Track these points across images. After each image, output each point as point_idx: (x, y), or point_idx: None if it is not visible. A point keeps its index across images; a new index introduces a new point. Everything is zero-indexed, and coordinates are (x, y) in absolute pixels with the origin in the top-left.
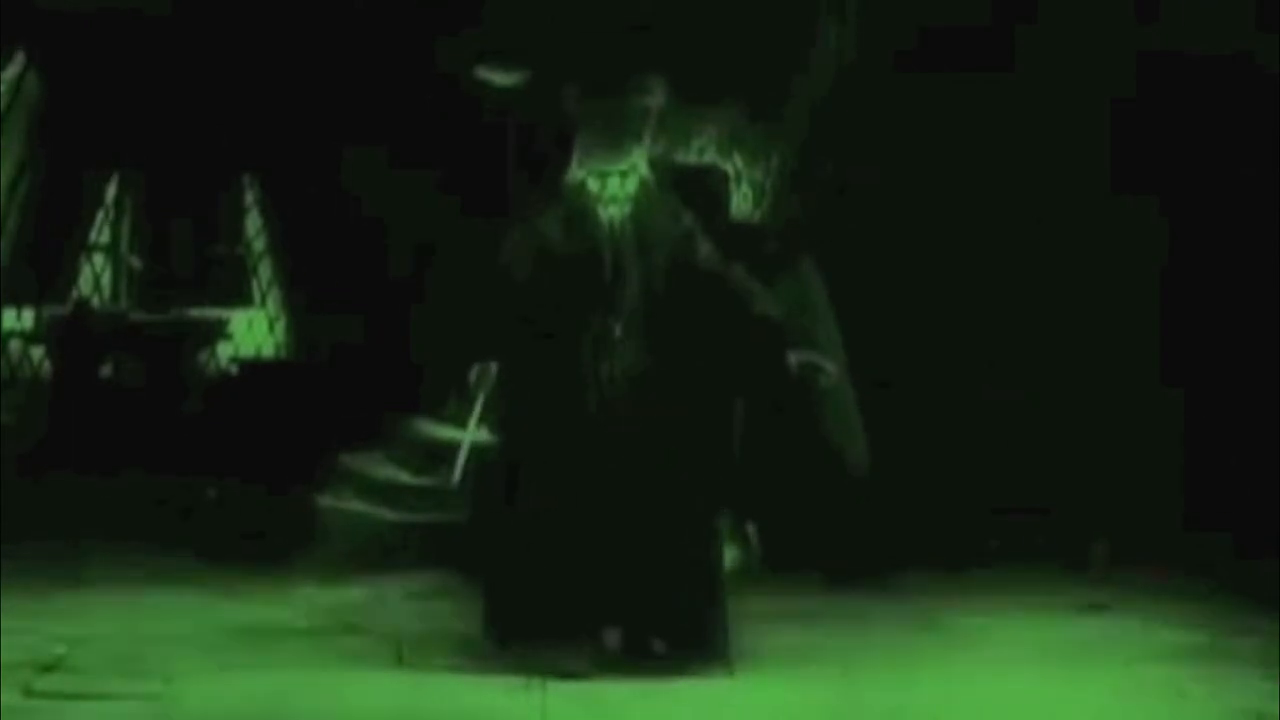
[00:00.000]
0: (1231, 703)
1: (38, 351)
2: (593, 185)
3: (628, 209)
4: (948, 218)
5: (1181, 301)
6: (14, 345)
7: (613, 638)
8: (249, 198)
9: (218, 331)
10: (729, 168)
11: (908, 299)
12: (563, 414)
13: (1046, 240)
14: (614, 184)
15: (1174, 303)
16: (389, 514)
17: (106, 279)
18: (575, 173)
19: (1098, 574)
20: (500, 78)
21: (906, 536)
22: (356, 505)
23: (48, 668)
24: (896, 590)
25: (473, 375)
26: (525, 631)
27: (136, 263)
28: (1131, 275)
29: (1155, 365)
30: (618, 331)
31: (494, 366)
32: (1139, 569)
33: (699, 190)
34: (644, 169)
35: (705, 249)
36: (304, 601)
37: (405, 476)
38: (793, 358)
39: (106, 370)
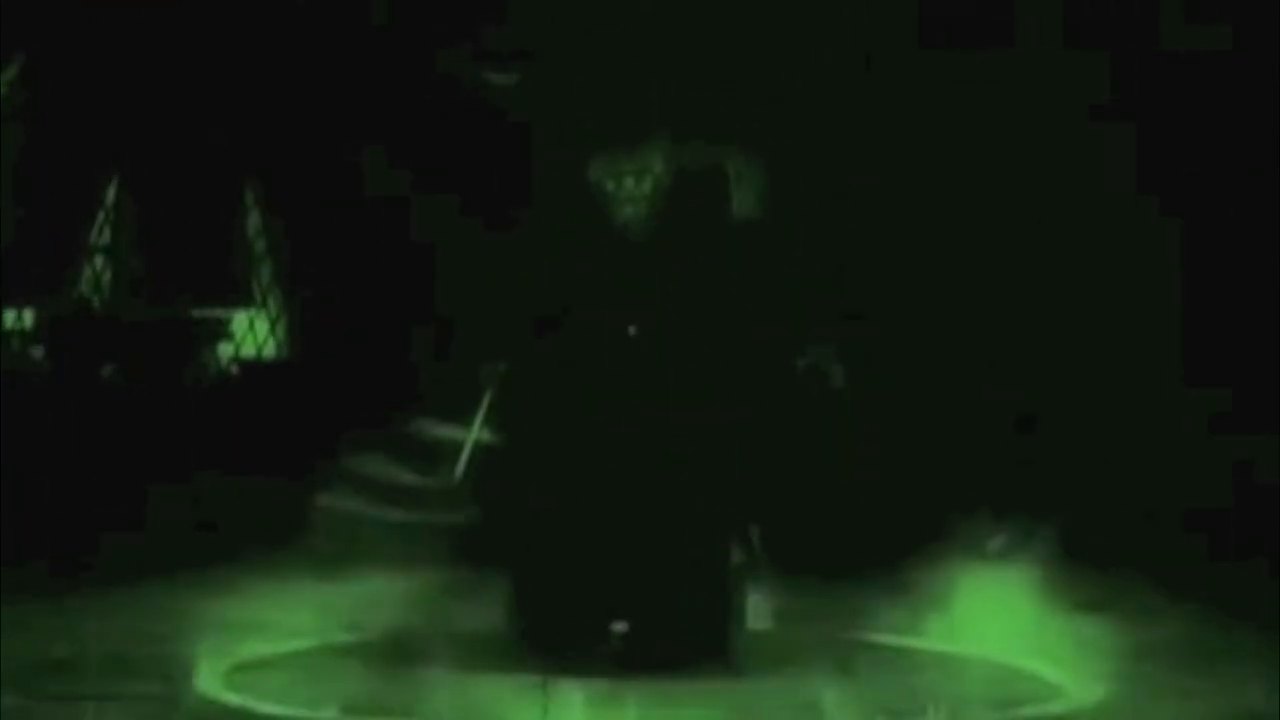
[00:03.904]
0: (1228, 702)
1: (38, 351)
2: (609, 185)
3: (643, 208)
4: (948, 220)
5: (1186, 301)
6: (14, 345)
7: (616, 637)
8: (249, 198)
9: (218, 332)
10: (730, 168)
11: (907, 302)
12: (572, 414)
13: (1045, 242)
14: (629, 184)
15: (1173, 301)
16: (389, 514)
17: (106, 279)
18: (591, 173)
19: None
20: (498, 77)
21: (907, 535)
22: (356, 505)
23: (48, 668)
24: (897, 589)
25: (482, 374)
26: (530, 630)
27: (137, 263)
28: (1132, 276)
29: (1154, 363)
30: (632, 331)
31: (502, 366)
32: (1137, 568)
33: (700, 190)
34: (660, 168)
35: (719, 249)
36: (304, 601)
37: (406, 476)
38: (801, 359)
39: (107, 370)
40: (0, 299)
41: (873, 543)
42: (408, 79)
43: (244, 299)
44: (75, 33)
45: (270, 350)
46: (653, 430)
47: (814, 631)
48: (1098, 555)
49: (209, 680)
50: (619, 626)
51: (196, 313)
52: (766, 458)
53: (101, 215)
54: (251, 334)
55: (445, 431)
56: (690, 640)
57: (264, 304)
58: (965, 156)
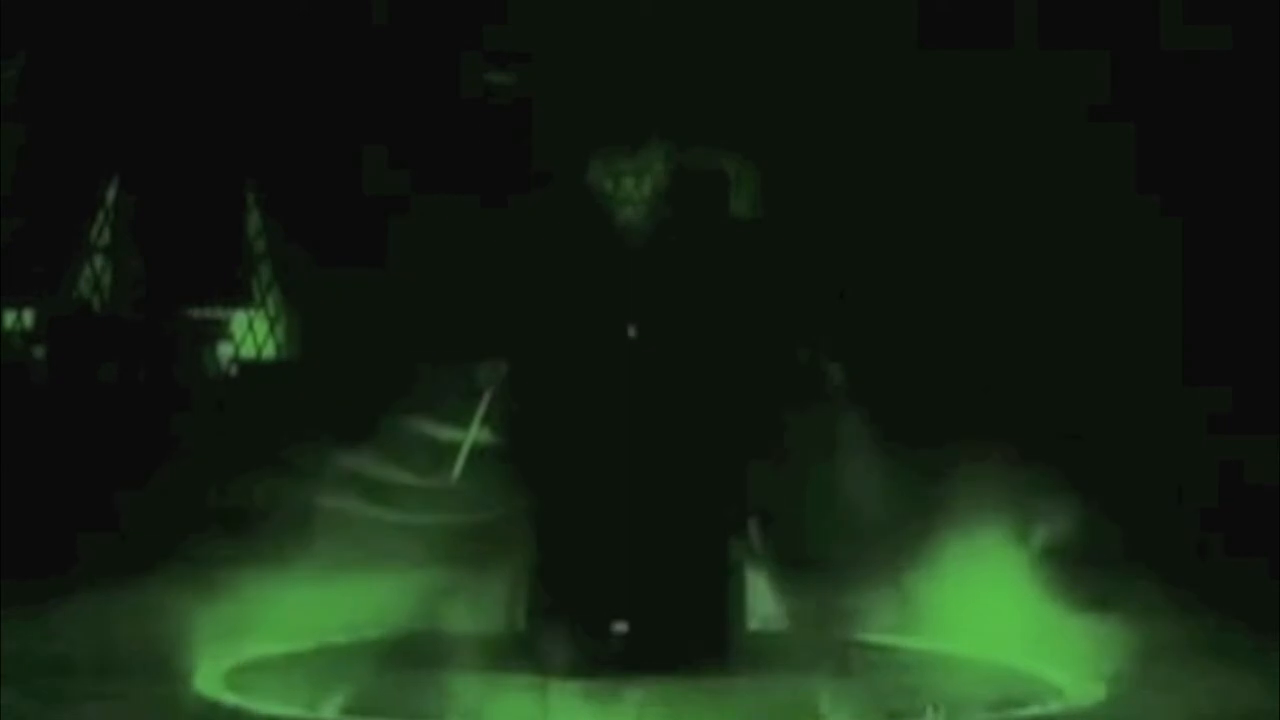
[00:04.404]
0: (1228, 701)
1: (38, 351)
2: (608, 186)
3: (644, 210)
4: (947, 220)
5: (1186, 301)
6: (14, 345)
7: (617, 637)
8: (249, 198)
9: (218, 332)
10: (728, 168)
11: (906, 301)
12: (572, 415)
13: (1045, 242)
14: (629, 184)
15: (1173, 301)
16: (389, 514)
17: (107, 279)
18: (590, 174)
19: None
20: (499, 77)
21: (907, 535)
22: (356, 505)
23: (47, 668)
24: (897, 589)
25: (481, 374)
26: (531, 630)
27: (137, 263)
28: (1132, 276)
29: (1154, 363)
30: (632, 332)
31: (503, 366)
32: (1137, 567)
33: (698, 190)
34: (660, 169)
35: (718, 250)
36: (303, 601)
37: (405, 476)
38: (803, 355)
39: (106, 371)
40: (0, 299)
41: (870, 541)
42: (408, 79)
43: (244, 299)
44: (75, 33)
45: (270, 351)
46: (652, 431)
47: (814, 631)
48: (1098, 554)
49: (209, 680)
50: (619, 626)
51: (196, 313)
52: (765, 456)
53: (101, 215)
54: (251, 334)
55: (443, 432)
56: (690, 640)
57: (263, 304)
58: (965, 156)
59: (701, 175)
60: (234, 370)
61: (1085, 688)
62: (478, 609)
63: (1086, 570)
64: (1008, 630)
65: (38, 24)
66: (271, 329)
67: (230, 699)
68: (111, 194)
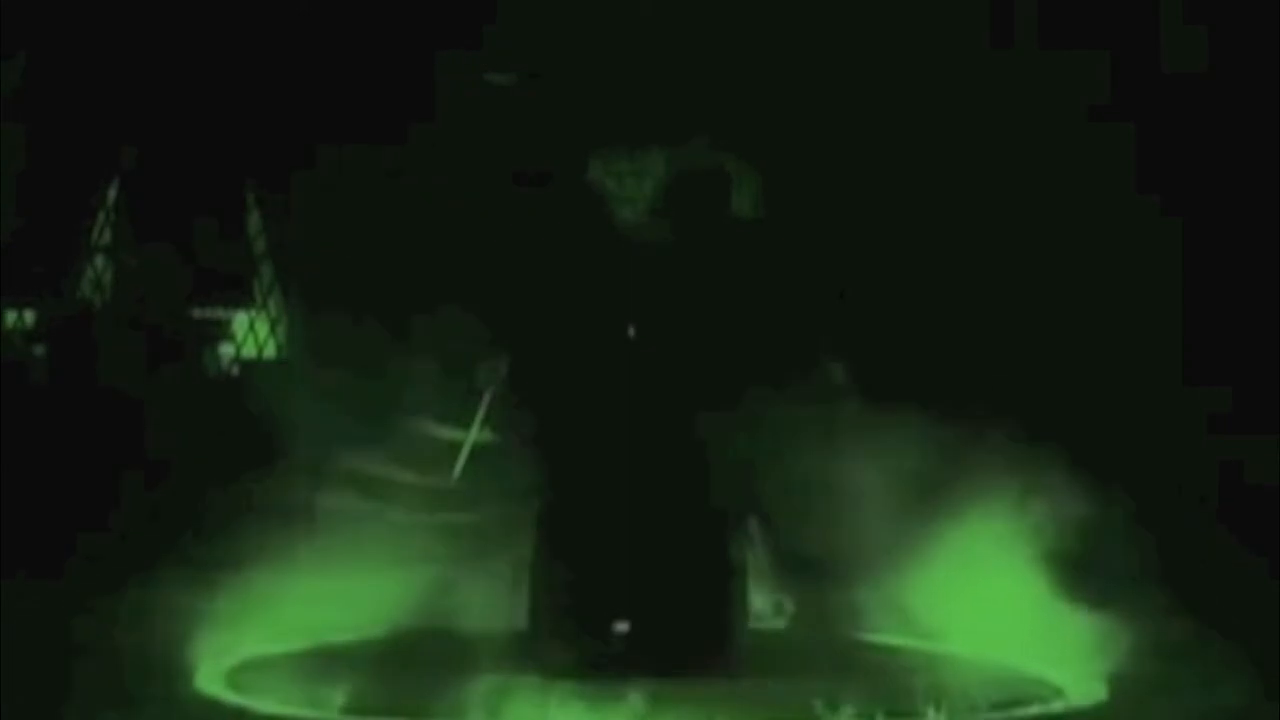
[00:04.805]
0: (1228, 700)
1: (38, 351)
2: (610, 186)
3: (644, 210)
4: (948, 220)
5: (1186, 301)
6: (14, 345)
7: (619, 636)
8: (250, 198)
9: (219, 333)
10: (730, 168)
11: (907, 300)
12: (575, 415)
13: (1045, 242)
14: (630, 184)
15: (1173, 301)
16: (389, 513)
17: (107, 279)
18: (591, 173)
19: None
20: (499, 78)
21: (907, 536)
22: (356, 505)
23: (48, 667)
24: (895, 589)
25: (481, 374)
26: (532, 630)
27: (136, 263)
28: (1132, 275)
29: (1154, 363)
30: (633, 333)
31: (503, 366)
32: (1139, 566)
33: (699, 190)
34: (661, 169)
35: (719, 249)
36: (305, 600)
37: (405, 476)
38: (804, 355)
39: (106, 371)
40: (0, 299)
41: (870, 541)
42: (408, 78)
43: (245, 300)
44: (75, 33)
45: (271, 351)
46: (652, 431)
47: (814, 631)
48: (1098, 555)
49: (209, 680)
50: (620, 626)
51: (197, 314)
52: (767, 455)
53: (101, 215)
54: (252, 335)
55: (444, 432)
56: (691, 640)
57: (264, 305)
58: (965, 156)
59: (702, 175)
60: (235, 370)
61: (1086, 687)
62: (478, 609)
63: (1086, 570)
64: (1008, 630)
65: (38, 24)
66: (273, 330)
67: (231, 698)
68: (111, 194)
